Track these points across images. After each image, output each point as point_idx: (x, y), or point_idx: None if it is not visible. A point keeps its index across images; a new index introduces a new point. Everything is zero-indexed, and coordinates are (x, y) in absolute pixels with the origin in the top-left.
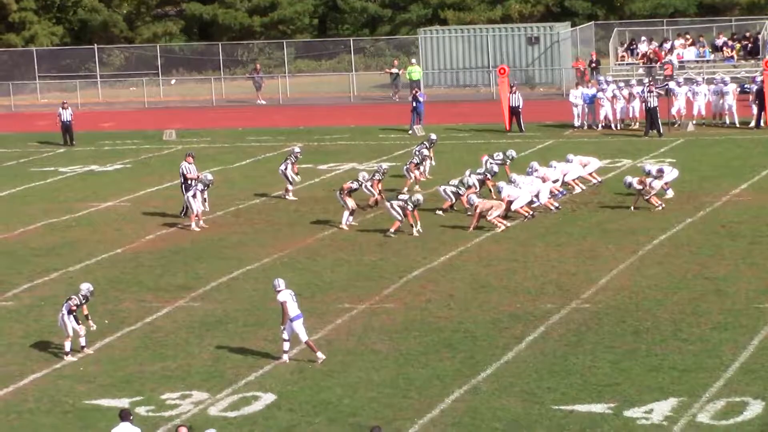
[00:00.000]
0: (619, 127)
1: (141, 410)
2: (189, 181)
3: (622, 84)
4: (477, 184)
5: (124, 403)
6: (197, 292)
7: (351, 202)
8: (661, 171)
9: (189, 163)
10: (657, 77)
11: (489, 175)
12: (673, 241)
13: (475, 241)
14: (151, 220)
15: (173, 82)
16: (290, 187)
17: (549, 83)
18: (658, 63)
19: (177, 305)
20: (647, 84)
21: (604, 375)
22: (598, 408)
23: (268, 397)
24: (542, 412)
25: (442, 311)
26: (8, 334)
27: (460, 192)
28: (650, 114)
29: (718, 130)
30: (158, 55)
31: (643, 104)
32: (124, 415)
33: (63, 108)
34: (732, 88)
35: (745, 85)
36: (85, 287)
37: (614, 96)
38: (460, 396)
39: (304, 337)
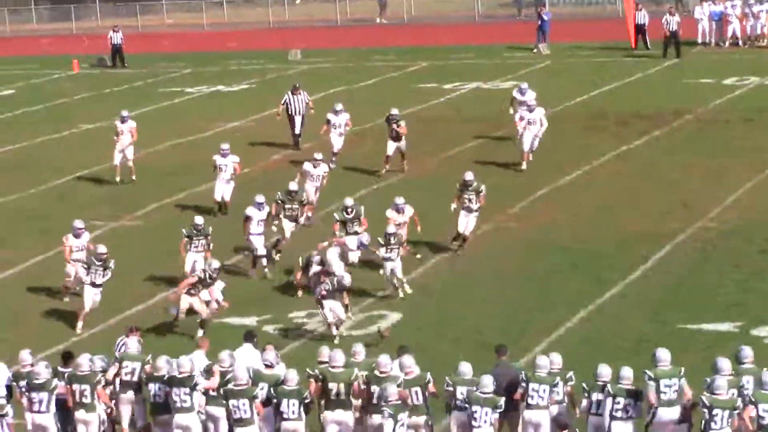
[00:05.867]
0: (746, 45)
1: (269, 328)
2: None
3: (752, 0)
4: None
5: (252, 321)
6: (329, 208)
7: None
8: None
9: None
10: None
11: None
12: None
13: (601, 161)
14: (278, 139)
15: (298, 1)
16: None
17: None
18: None
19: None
20: None
21: (730, 294)
22: (724, 327)
23: (394, 316)
24: (668, 330)
25: (567, 231)
26: (137, 253)
27: None
28: None
29: None
30: None
31: None
32: (248, 336)
33: (114, 32)
34: None
35: None
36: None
37: (744, 13)
38: (586, 315)
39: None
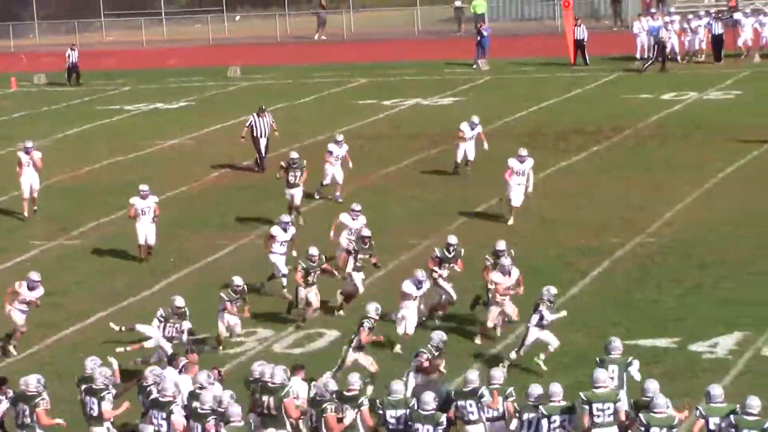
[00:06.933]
0: (685, 60)
1: (205, 347)
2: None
3: (690, 16)
4: None
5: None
6: (262, 230)
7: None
8: None
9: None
10: (723, 8)
11: None
12: (740, 174)
13: (540, 176)
14: (216, 157)
15: (237, 18)
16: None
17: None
18: None
19: (241, 243)
20: (713, 14)
21: (669, 309)
22: (662, 342)
23: (332, 334)
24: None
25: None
26: (75, 272)
27: None
28: (715, 41)
29: None
30: None
31: (709, 34)
32: (170, 359)
33: (72, 50)
34: None
35: None
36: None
37: (682, 29)
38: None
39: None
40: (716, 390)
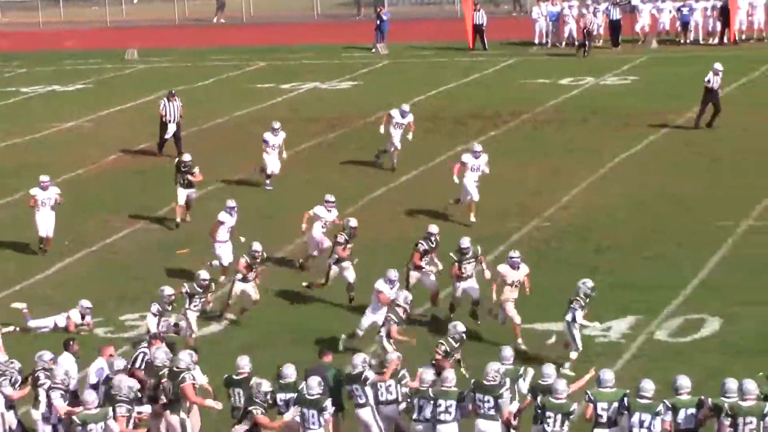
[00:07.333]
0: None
1: (99, 331)
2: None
3: (589, 1)
4: None
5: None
6: (158, 213)
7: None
8: None
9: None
10: None
11: None
12: (636, 159)
13: (437, 161)
14: (113, 140)
15: (135, 1)
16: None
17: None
18: None
19: (138, 227)
20: (612, 1)
21: (564, 293)
22: (556, 326)
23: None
24: (501, 330)
25: (402, 231)
26: None
27: None
28: (613, 27)
29: (682, 47)
30: None
31: (607, 19)
32: (65, 344)
33: None
34: (700, 6)
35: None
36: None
37: (580, 14)
38: (419, 316)
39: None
40: (606, 374)
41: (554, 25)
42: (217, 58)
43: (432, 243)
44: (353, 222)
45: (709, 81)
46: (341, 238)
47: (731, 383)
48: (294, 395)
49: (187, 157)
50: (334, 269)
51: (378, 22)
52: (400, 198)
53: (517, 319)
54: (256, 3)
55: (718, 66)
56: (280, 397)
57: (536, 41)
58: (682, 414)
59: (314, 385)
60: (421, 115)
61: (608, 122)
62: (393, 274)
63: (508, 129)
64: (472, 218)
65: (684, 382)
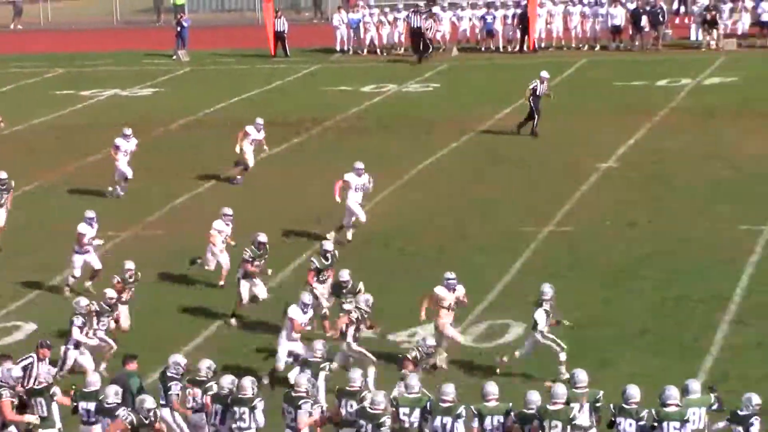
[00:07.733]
0: (384, 53)
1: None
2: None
3: (387, 9)
4: None
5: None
6: None
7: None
8: None
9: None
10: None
11: None
12: (437, 166)
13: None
14: None
15: None
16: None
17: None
18: None
19: None
20: (412, 7)
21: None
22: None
23: (30, 327)
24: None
25: (195, 240)
26: None
27: None
28: (415, 36)
29: (482, 54)
30: None
31: (408, 28)
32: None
33: None
34: (500, 14)
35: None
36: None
37: (380, 21)
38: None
39: None
40: (412, 380)
41: (355, 33)
42: (16, 64)
43: (327, 260)
44: (262, 237)
45: (535, 88)
46: (247, 254)
47: (533, 395)
48: (95, 404)
49: (3, 174)
50: (244, 284)
51: (178, 28)
52: (201, 205)
53: (460, 338)
54: (54, 10)
55: (544, 74)
56: (82, 405)
57: (338, 48)
58: (488, 421)
59: (111, 394)
60: (224, 121)
61: (411, 129)
62: (307, 297)
63: (310, 136)
64: (349, 236)
65: (491, 388)
